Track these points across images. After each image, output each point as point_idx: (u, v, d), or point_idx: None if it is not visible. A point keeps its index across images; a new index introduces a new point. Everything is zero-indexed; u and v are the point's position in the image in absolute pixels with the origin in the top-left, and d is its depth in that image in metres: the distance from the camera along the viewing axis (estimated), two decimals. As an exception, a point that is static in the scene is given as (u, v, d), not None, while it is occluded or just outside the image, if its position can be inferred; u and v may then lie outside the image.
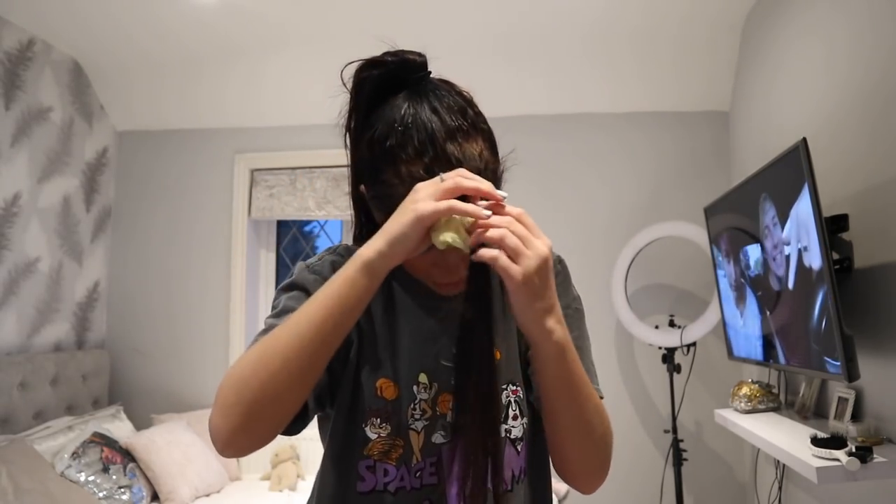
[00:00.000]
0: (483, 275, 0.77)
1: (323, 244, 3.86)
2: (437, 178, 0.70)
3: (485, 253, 0.68)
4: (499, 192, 0.71)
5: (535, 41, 3.09)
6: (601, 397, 0.87)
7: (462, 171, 0.71)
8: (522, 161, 3.43)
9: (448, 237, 0.69)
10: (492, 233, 0.68)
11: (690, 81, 3.20)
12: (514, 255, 0.68)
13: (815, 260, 1.65)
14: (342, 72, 0.80)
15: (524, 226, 0.70)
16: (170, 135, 3.73)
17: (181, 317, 3.60)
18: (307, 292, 0.82)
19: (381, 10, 2.88)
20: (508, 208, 0.71)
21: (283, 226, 3.87)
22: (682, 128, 3.32)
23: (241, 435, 0.70)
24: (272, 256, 3.81)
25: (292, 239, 3.87)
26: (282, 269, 3.80)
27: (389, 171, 0.76)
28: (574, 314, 0.91)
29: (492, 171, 0.79)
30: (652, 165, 3.33)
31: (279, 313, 0.81)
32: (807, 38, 2.17)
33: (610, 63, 3.17)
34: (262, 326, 0.80)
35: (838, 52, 1.92)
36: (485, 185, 0.69)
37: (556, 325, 0.72)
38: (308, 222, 3.82)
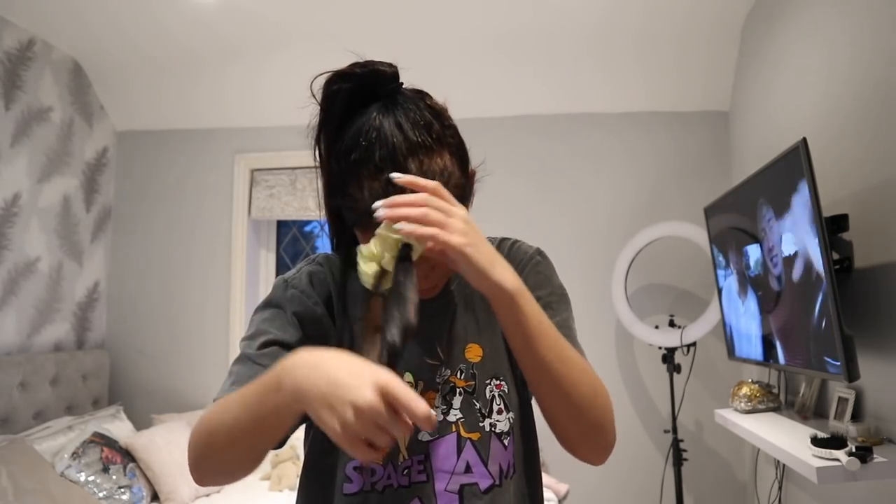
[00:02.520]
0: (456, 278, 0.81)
1: (323, 244, 3.86)
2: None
3: (418, 229, 0.69)
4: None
5: (536, 41, 3.09)
6: None
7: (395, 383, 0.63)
8: (523, 161, 3.43)
9: (373, 267, 0.73)
10: (413, 212, 0.69)
11: (690, 81, 3.20)
12: (441, 227, 0.69)
13: (815, 260, 1.65)
14: (311, 84, 0.80)
15: (441, 198, 0.71)
16: (170, 135, 3.73)
17: (181, 317, 3.60)
18: (283, 310, 0.84)
19: (382, 10, 2.88)
20: (423, 182, 0.72)
21: (283, 226, 3.87)
22: (682, 128, 3.32)
23: (209, 484, 0.79)
24: (272, 256, 3.81)
25: (292, 239, 3.87)
26: (282, 269, 3.79)
27: (353, 185, 0.77)
28: (559, 299, 0.91)
29: (456, 186, 0.79)
30: (652, 165, 3.32)
31: (252, 336, 0.82)
32: (806, 38, 2.17)
33: (610, 63, 3.17)
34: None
35: (838, 51, 1.92)
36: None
37: (504, 273, 0.73)
38: (308, 222, 3.82)
